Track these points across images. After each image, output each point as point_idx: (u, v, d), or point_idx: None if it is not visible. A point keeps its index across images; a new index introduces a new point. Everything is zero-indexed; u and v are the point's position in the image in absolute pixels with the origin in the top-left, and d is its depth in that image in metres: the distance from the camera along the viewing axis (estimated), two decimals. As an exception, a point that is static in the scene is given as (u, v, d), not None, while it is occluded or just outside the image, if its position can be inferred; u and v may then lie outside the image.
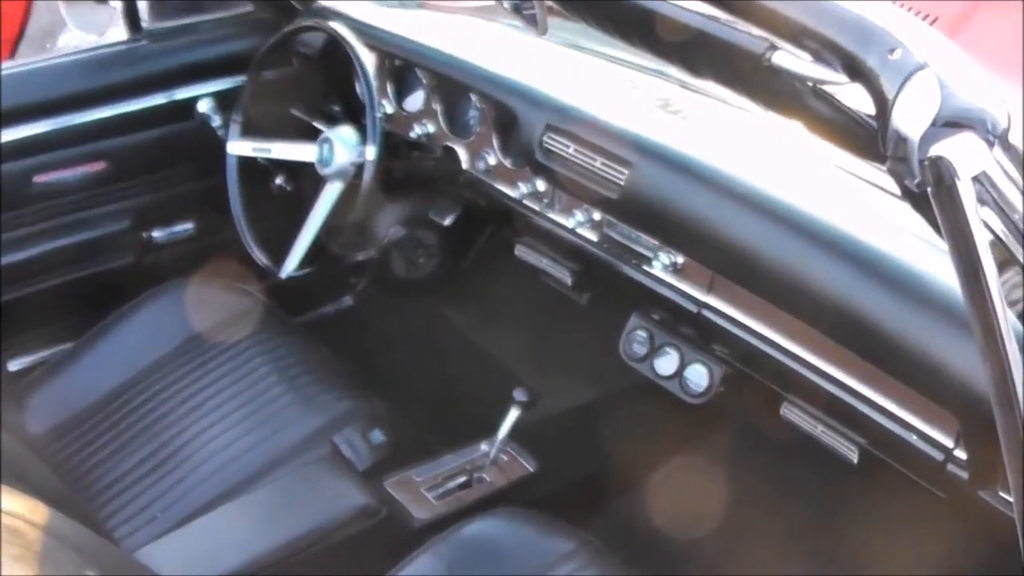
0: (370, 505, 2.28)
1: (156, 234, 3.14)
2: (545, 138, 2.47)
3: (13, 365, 2.90)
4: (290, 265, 2.77)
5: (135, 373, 2.58)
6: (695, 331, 2.46)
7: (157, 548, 2.17)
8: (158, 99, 3.01)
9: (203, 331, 2.65)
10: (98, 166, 2.96)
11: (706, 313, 2.32)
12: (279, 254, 2.82)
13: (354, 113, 2.82)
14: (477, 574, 2.03)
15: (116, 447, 2.43)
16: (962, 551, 2.15)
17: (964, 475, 1.90)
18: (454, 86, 2.76)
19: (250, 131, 2.94)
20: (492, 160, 2.72)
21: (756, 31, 1.19)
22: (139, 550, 2.16)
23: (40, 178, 2.86)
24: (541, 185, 2.59)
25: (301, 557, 2.16)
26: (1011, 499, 1.18)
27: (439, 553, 2.05)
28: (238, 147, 2.92)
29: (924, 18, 2.65)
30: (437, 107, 2.84)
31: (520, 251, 2.87)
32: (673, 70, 2.48)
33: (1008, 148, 1.15)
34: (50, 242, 2.93)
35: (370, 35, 2.84)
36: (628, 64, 2.68)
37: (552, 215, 2.60)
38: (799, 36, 1.13)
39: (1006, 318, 1.09)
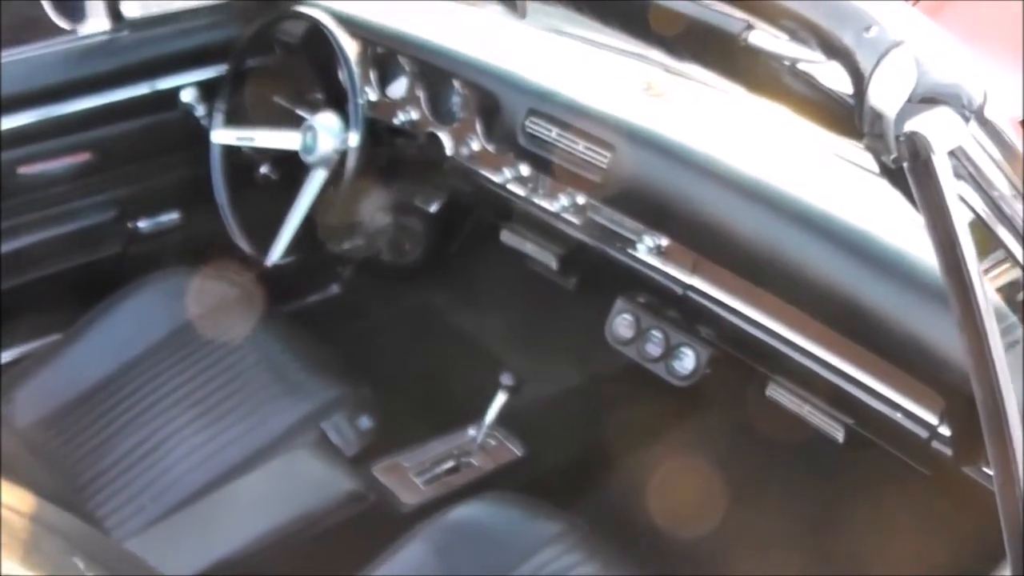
0: (358, 491, 2.28)
1: (142, 224, 3.14)
2: (528, 123, 2.47)
3: (0, 357, 2.90)
4: (275, 253, 2.77)
5: (122, 363, 2.57)
6: (681, 314, 2.47)
7: (147, 537, 2.17)
8: (141, 89, 3.01)
9: (190, 321, 2.64)
10: (83, 157, 2.95)
11: (691, 295, 2.32)
12: (265, 243, 2.82)
13: (337, 101, 2.82)
14: (465, 558, 2.03)
15: (104, 437, 2.43)
16: (946, 527, 2.16)
17: (948, 452, 1.92)
18: (437, 73, 2.76)
19: (234, 120, 2.94)
20: (476, 146, 2.72)
21: (733, 11, 1.20)
22: (129, 539, 2.16)
23: (25, 169, 2.85)
24: (525, 170, 2.59)
25: (290, 543, 2.16)
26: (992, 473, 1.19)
27: (427, 537, 2.06)
28: (222, 136, 2.92)
29: (905, -1, 2.65)
30: (420, 94, 2.84)
31: (505, 237, 2.87)
32: (655, 53, 2.50)
33: (984, 123, 1.16)
34: (36, 233, 2.92)
35: (352, 23, 2.84)
36: (610, 48, 2.68)
37: (536, 200, 2.60)
38: (776, 15, 1.13)
39: (983, 291, 1.09)
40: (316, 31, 2.78)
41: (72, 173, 2.95)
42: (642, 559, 2.11)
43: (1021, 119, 2.01)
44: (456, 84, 2.72)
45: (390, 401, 2.65)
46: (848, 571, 2.52)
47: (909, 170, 1.08)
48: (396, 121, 2.90)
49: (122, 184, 3.07)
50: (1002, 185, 1.24)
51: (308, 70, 3.14)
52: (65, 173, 2.94)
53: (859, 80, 1.07)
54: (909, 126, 1.06)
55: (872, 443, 2.22)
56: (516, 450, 2.71)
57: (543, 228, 2.67)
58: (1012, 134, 1.21)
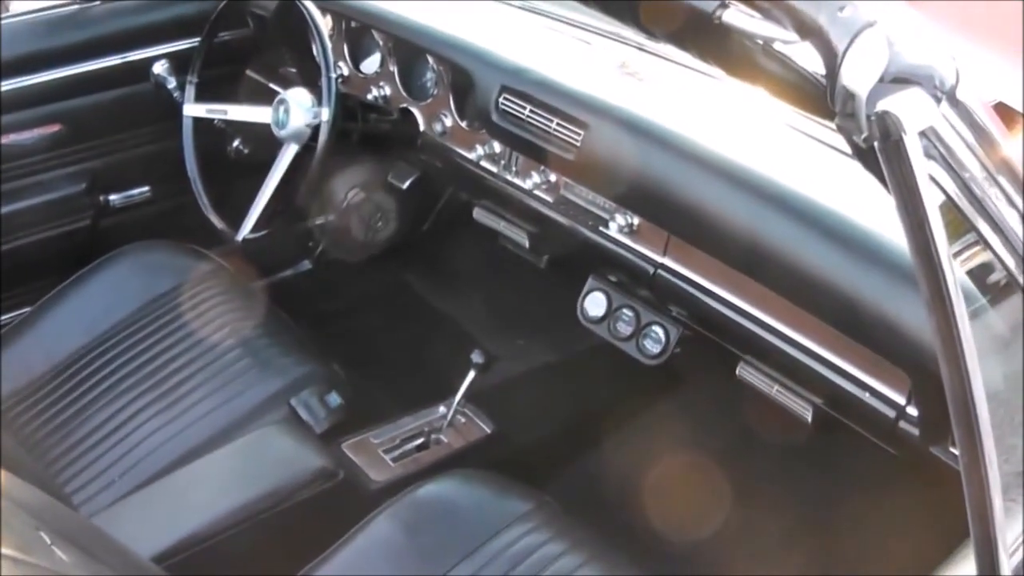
0: (327, 467, 2.27)
1: (113, 197, 3.13)
2: (501, 100, 2.46)
3: (-30, 331, 2.88)
4: (246, 228, 2.76)
5: (93, 337, 2.56)
6: (651, 293, 2.47)
7: (115, 512, 2.17)
8: (112, 60, 2.99)
9: (161, 295, 2.64)
10: (54, 128, 2.94)
11: (662, 274, 2.33)
12: (236, 218, 2.81)
13: (310, 75, 2.80)
14: (433, 534, 2.03)
15: (74, 412, 2.42)
16: (912, 506, 2.18)
17: (916, 432, 1.93)
18: (410, 48, 2.76)
19: (206, 93, 2.92)
20: (449, 122, 2.72)
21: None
22: (97, 514, 2.16)
23: (-5, 140, 2.84)
24: (498, 147, 2.59)
25: (259, 519, 2.15)
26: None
27: (395, 514, 2.06)
28: (194, 109, 2.90)
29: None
30: (393, 69, 2.83)
31: (478, 214, 2.87)
32: (630, 32, 2.50)
33: (956, 104, 1.16)
34: (6, 205, 2.90)
35: (326, -3, 2.83)
36: (585, 27, 2.68)
37: (509, 177, 2.60)
38: (750, -7, 1.13)
39: (953, 272, 1.09)
40: (290, 5, 2.76)
41: (43, 144, 2.93)
42: (611, 537, 2.11)
43: (995, 102, 2.02)
44: (430, 60, 2.71)
45: (360, 378, 2.66)
46: (819, 544, 2.54)
47: (880, 150, 1.08)
48: (369, 96, 2.89)
49: (93, 156, 3.05)
50: (973, 167, 1.24)
51: (281, 44, 3.13)
52: (36, 144, 2.92)
53: (832, 60, 1.06)
54: (880, 106, 1.06)
55: (841, 423, 2.23)
56: (486, 427, 2.71)
57: (515, 206, 2.67)
58: (984, 116, 1.22)
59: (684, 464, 2.66)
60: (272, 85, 2.90)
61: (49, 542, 1.28)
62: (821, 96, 1.10)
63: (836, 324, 1.96)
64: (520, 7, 2.82)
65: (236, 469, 2.28)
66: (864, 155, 1.11)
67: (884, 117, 1.06)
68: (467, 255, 3.42)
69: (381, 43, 2.83)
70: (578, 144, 2.31)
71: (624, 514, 2.65)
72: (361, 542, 2.02)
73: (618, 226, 2.36)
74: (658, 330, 2.55)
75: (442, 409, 2.70)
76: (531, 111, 2.40)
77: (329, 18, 2.88)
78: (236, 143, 3.13)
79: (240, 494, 2.19)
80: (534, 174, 2.52)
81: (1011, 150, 1.28)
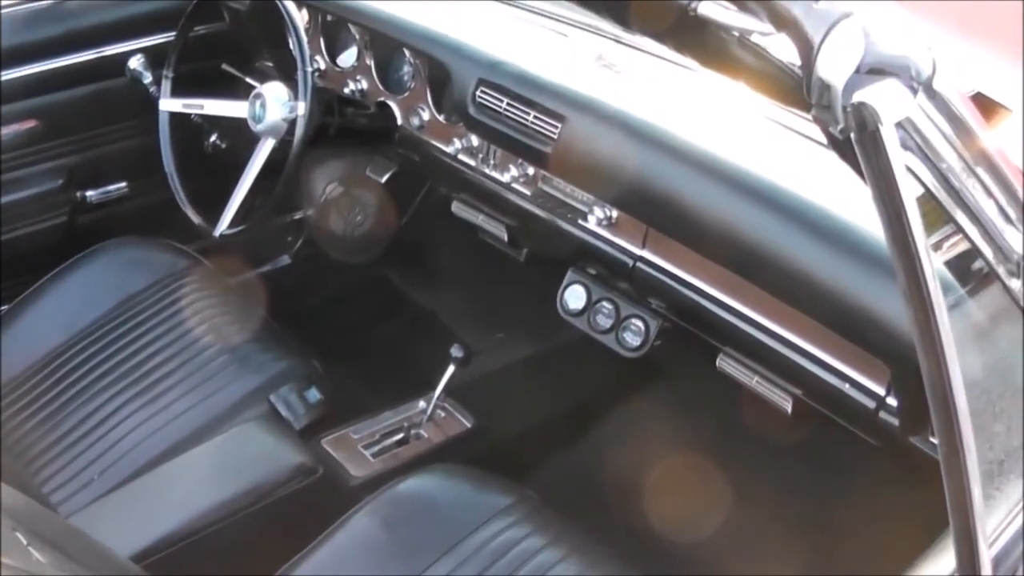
0: (307, 464, 2.27)
1: (90, 193, 3.11)
2: (478, 93, 2.46)
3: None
4: (224, 224, 2.74)
5: (71, 335, 2.55)
6: (631, 285, 2.47)
7: (93, 511, 2.16)
8: (88, 55, 2.98)
9: (140, 291, 2.63)
10: (30, 124, 2.92)
11: (641, 266, 2.32)
12: (214, 213, 2.80)
13: (287, 69, 2.79)
14: (413, 529, 2.03)
15: (53, 410, 2.41)
16: (900, 497, 2.18)
17: (895, 423, 1.93)
18: (387, 42, 2.75)
19: (182, 88, 2.90)
20: (426, 116, 2.72)
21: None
22: (76, 514, 2.15)
23: (-29, 137, 2.82)
24: (475, 140, 2.58)
25: (239, 516, 2.15)
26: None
27: (375, 510, 2.05)
28: (170, 104, 2.88)
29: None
30: (370, 63, 2.83)
31: (456, 208, 2.87)
32: (606, 25, 2.49)
33: (932, 95, 1.16)
34: None
35: (301, -10, 2.82)
36: (562, 19, 2.67)
37: (487, 170, 2.59)
38: (726, -15, 1.13)
39: (929, 260, 1.09)
40: (265, -1, 2.75)
41: (19, 141, 2.91)
42: (592, 530, 2.11)
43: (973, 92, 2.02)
44: (407, 54, 2.71)
45: (340, 373, 2.65)
46: (805, 536, 2.55)
47: (856, 141, 1.08)
48: (346, 90, 2.89)
49: (69, 152, 3.04)
50: (950, 157, 1.24)
51: (257, 38, 3.11)
52: (12, 141, 2.90)
53: (807, 51, 1.06)
54: (857, 97, 1.05)
55: (822, 414, 2.23)
56: (466, 422, 2.71)
57: (494, 199, 2.66)
58: (961, 106, 1.21)
59: (665, 456, 2.66)
60: (248, 79, 2.88)
61: (25, 543, 1.28)
62: (797, 87, 1.10)
63: (815, 315, 1.96)
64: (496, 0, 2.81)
65: (215, 466, 2.27)
66: (840, 146, 1.11)
67: (860, 108, 1.05)
68: (446, 249, 3.42)
69: (358, 37, 2.82)
70: (555, 137, 2.30)
71: (605, 507, 2.65)
72: (341, 538, 2.01)
73: (597, 219, 2.35)
74: (638, 323, 2.54)
75: (422, 404, 2.70)
76: (508, 104, 2.40)
77: (305, 12, 2.87)
78: (213, 138, 3.11)
79: (219, 491, 2.19)
80: (512, 167, 2.52)
81: (988, 141, 1.28)
